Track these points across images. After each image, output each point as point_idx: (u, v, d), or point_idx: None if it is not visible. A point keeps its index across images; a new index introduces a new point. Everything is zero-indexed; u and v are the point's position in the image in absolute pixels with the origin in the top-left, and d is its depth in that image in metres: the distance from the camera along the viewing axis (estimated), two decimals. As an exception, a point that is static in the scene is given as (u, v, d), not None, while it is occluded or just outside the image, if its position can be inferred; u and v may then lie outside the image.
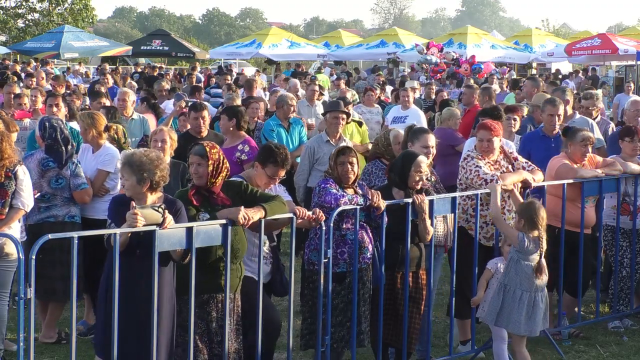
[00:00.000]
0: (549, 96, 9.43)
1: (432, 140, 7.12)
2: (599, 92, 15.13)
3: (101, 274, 5.42)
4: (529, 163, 7.37)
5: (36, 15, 51.86)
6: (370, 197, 6.24)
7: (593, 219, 7.78)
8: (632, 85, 21.47)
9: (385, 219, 6.35)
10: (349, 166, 6.32)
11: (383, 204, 6.28)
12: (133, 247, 5.18)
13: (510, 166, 7.24)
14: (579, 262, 7.55)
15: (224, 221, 5.47)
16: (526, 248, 6.39)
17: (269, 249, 6.23)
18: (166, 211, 5.13)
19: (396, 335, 6.58)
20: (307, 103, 13.17)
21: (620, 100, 18.63)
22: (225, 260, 5.54)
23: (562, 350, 7.28)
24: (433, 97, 16.74)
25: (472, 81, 19.39)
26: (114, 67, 33.61)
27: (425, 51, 28.20)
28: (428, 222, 6.50)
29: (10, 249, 6.28)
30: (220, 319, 5.63)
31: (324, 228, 6.03)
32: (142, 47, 40.09)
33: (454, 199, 6.79)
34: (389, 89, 20.63)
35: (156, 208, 5.11)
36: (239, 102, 11.53)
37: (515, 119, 9.13)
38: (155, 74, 27.48)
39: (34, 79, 16.63)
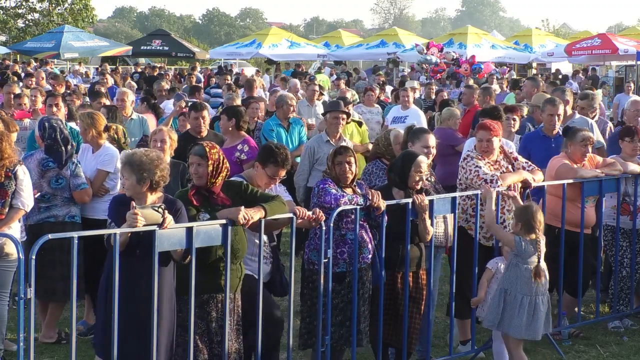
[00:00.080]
0: (548, 96, 9.42)
1: (432, 140, 7.12)
2: (599, 92, 15.13)
3: (101, 274, 5.42)
4: (529, 163, 7.38)
5: (36, 15, 51.84)
6: (370, 197, 6.24)
7: (593, 219, 7.78)
8: (632, 85, 21.47)
9: (385, 218, 6.36)
10: (347, 166, 6.33)
11: (383, 204, 6.28)
12: (133, 247, 5.18)
13: (510, 166, 7.24)
14: (579, 262, 7.55)
15: (224, 221, 5.47)
16: (524, 251, 6.40)
17: (269, 248, 6.23)
18: (166, 211, 5.14)
19: (396, 335, 6.58)
20: (307, 103, 13.18)
21: (620, 100, 18.63)
22: (225, 260, 5.54)
23: (562, 350, 7.28)
24: (433, 97, 16.74)
25: (472, 81, 19.40)
26: (114, 67, 33.60)
27: (425, 51, 28.19)
28: (428, 222, 6.50)
29: (10, 249, 6.29)
30: (220, 319, 5.63)
31: (324, 228, 6.03)
32: (142, 47, 40.07)
33: (454, 199, 6.79)
34: (388, 89, 20.64)
35: (156, 208, 5.12)
36: (239, 102, 11.54)
37: (514, 119, 9.13)
38: (155, 74, 27.47)
39: (34, 79, 16.62)
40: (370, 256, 6.39)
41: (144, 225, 5.05)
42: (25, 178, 6.45)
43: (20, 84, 15.73)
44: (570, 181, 7.44)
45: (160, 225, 5.10)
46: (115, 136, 7.92)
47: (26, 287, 4.80)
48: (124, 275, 5.09)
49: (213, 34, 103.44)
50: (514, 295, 6.41)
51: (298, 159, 9.79)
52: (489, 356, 7.08)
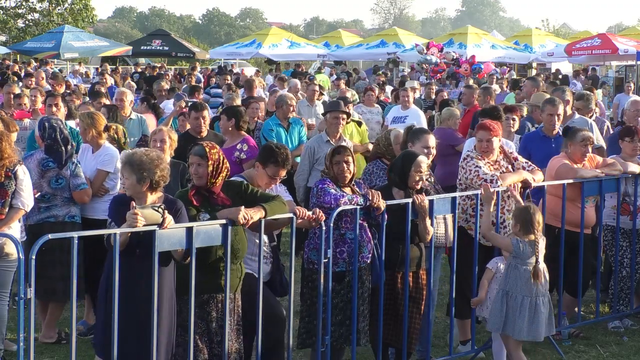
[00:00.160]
0: (548, 96, 9.42)
1: (432, 140, 7.12)
2: (599, 92, 15.12)
3: (101, 274, 5.42)
4: (529, 163, 7.38)
5: (36, 15, 51.82)
6: (370, 197, 6.24)
7: (593, 219, 7.78)
8: (632, 85, 21.46)
9: (385, 218, 6.35)
10: (345, 165, 6.32)
11: (383, 204, 6.28)
12: (133, 247, 5.18)
13: (510, 166, 7.24)
14: (579, 262, 7.55)
15: (224, 221, 5.47)
16: (522, 252, 6.40)
17: (269, 248, 6.23)
18: (166, 211, 5.14)
19: (396, 335, 6.58)
20: (307, 103, 13.18)
21: (620, 100, 18.62)
22: (225, 260, 5.54)
23: (562, 350, 7.28)
24: (433, 97, 16.75)
25: (471, 81, 19.40)
26: (114, 67, 33.60)
27: (425, 51, 28.18)
28: (428, 222, 6.50)
29: (10, 249, 6.29)
30: (220, 319, 5.63)
31: (323, 228, 6.03)
32: (142, 47, 40.06)
33: (453, 199, 6.79)
34: (389, 89, 20.64)
35: (156, 208, 5.11)
36: (239, 102, 11.54)
37: (514, 119, 9.13)
38: (155, 74, 27.48)
39: (33, 79, 16.62)
40: (369, 255, 6.40)
41: (144, 225, 5.05)
42: (25, 178, 6.45)
43: (20, 84, 15.73)
44: (570, 181, 7.44)
45: (160, 225, 5.10)
46: (115, 136, 7.92)
47: (26, 287, 4.80)
48: (124, 275, 5.09)
49: (213, 34, 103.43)
50: (515, 296, 6.41)
51: (298, 159, 9.80)
52: (489, 356, 7.08)
